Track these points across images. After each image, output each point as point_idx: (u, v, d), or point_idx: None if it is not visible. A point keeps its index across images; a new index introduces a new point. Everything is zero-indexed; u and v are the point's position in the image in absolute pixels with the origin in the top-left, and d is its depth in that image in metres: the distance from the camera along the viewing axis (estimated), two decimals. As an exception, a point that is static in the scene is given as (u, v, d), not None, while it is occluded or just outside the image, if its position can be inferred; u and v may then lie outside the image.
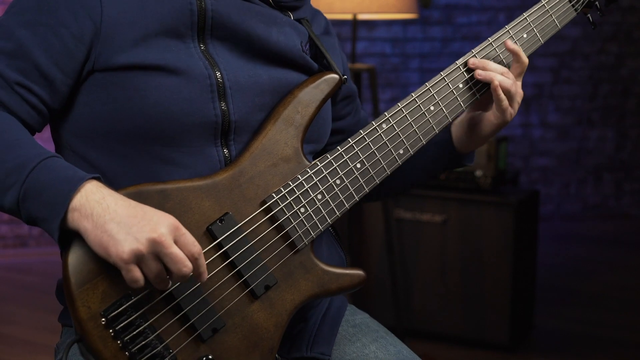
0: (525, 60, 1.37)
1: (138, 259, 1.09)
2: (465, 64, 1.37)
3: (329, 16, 3.38)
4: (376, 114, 3.63)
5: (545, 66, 5.38)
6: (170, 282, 1.13)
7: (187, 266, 1.10)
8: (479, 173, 3.25)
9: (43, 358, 3.23)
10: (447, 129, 1.45)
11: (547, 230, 5.08)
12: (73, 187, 1.10)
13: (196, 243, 1.12)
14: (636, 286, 4.24)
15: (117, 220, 1.09)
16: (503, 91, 1.35)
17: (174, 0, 1.23)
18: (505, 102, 1.35)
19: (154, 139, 1.22)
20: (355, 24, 3.28)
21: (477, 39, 5.27)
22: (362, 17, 3.42)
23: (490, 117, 1.38)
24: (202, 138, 1.24)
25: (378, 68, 5.13)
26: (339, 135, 1.51)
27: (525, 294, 3.37)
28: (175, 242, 1.10)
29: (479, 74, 1.36)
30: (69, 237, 1.13)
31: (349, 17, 3.26)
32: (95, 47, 1.20)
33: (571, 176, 5.52)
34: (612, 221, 5.51)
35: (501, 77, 1.35)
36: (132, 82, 1.20)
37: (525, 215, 3.28)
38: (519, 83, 1.38)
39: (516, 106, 1.38)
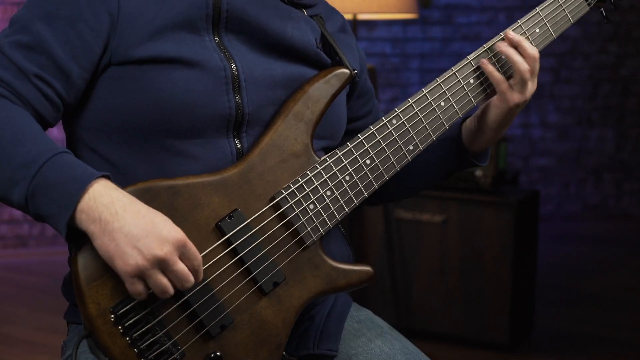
0: (531, 51, 1.35)
1: (142, 273, 1.10)
2: (476, 59, 1.37)
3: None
4: (376, 114, 3.63)
5: (545, 66, 5.38)
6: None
7: (190, 281, 1.12)
8: (478, 173, 3.25)
9: (43, 358, 3.23)
10: (457, 127, 1.44)
11: (547, 230, 5.08)
12: (81, 187, 1.10)
13: (198, 256, 1.13)
14: (636, 286, 4.24)
15: (125, 230, 1.09)
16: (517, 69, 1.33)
17: None
18: (505, 83, 1.34)
19: (168, 131, 1.22)
20: (355, 24, 3.28)
21: (477, 39, 5.27)
22: (362, 17, 3.42)
23: (495, 100, 1.37)
24: (215, 130, 1.24)
25: (378, 68, 5.13)
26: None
27: (525, 294, 3.37)
28: (180, 257, 1.11)
29: (502, 45, 1.34)
30: (78, 234, 1.13)
31: (349, 17, 3.26)
32: (112, 41, 1.21)
33: (571, 176, 5.52)
34: (612, 221, 5.51)
35: (519, 57, 1.34)
36: (148, 75, 1.21)
37: (525, 215, 3.28)
38: (536, 78, 1.36)
39: (526, 92, 1.35)
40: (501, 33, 1.38)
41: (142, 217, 1.10)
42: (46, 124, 1.23)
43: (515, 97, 1.35)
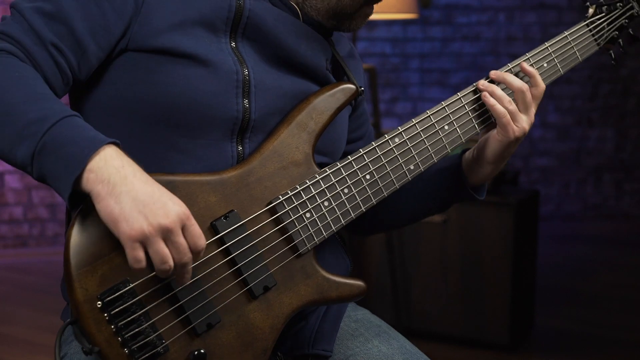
0: (542, 85, 1.37)
1: (145, 239, 1.08)
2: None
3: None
4: (376, 114, 3.63)
5: (545, 66, 5.38)
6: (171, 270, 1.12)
7: (188, 256, 1.10)
8: (479, 173, 3.25)
9: (43, 358, 3.23)
10: (457, 157, 1.44)
11: (547, 230, 5.08)
12: (94, 147, 1.09)
13: (202, 236, 1.12)
14: (636, 286, 4.24)
15: (133, 194, 1.08)
16: (503, 105, 1.34)
17: None
18: (506, 117, 1.34)
19: (173, 127, 1.22)
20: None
21: (477, 39, 5.28)
22: (362, 17, 3.41)
23: (494, 134, 1.37)
24: (220, 132, 1.24)
25: (378, 68, 5.13)
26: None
27: (525, 294, 3.37)
28: (183, 231, 1.10)
29: (485, 95, 1.35)
30: (80, 197, 1.12)
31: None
32: (132, 26, 1.22)
33: (571, 176, 5.52)
34: (612, 221, 5.51)
35: (500, 92, 1.34)
36: (161, 67, 1.21)
37: (525, 215, 3.28)
38: (533, 109, 1.36)
39: (523, 124, 1.35)
40: (508, 64, 1.39)
41: (150, 186, 1.10)
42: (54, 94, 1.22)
43: (516, 130, 1.35)
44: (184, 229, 1.10)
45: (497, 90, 1.35)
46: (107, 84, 1.24)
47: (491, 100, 1.35)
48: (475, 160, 1.41)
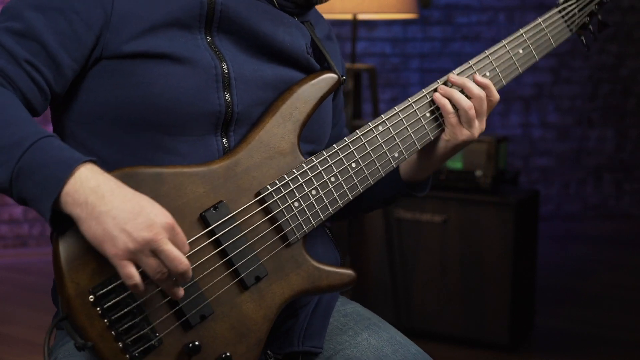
0: (496, 95, 1.39)
1: (133, 255, 1.08)
2: (462, 73, 1.40)
3: (328, 16, 3.38)
4: (376, 114, 3.63)
5: (545, 66, 5.38)
6: (170, 281, 1.12)
7: (184, 262, 1.09)
8: (478, 173, 3.25)
9: (42, 358, 3.23)
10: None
11: (547, 230, 5.08)
12: (68, 170, 1.09)
13: (186, 243, 1.12)
14: (636, 286, 4.24)
15: (113, 214, 1.07)
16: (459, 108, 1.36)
17: None
18: (455, 118, 1.36)
19: (157, 127, 1.22)
20: (355, 24, 3.28)
21: (477, 39, 5.28)
22: (362, 17, 3.42)
23: (443, 135, 1.39)
24: (204, 127, 1.25)
25: (378, 68, 5.13)
26: None
27: (525, 294, 3.37)
28: (170, 240, 1.10)
29: (437, 97, 1.37)
30: (61, 218, 1.12)
31: (349, 17, 3.26)
32: (104, 35, 1.22)
33: (571, 176, 5.52)
34: (612, 221, 5.51)
35: (459, 95, 1.36)
36: (138, 70, 1.21)
37: (525, 215, 3.28)
38: (484, 117, 1.38)
39: (474, 131, 1.37)
40: (486, 51, 1.41)
41: (129, 201, 1.09)
42: (33, 112, 1.22)
43: (464, 133, 1.37)
44: (170, 237, 1.10)
45: (455, 94, 1.37)
46: (87, 93, 1.24)
47: (442, 100, 1.37)
48: (417, 158, 1.43)
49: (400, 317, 3.34)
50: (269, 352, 1.34)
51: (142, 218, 1.08)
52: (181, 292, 1.13)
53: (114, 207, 1.08)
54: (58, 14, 1.20)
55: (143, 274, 1.11)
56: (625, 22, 5.44)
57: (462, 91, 1.38)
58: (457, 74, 1.39)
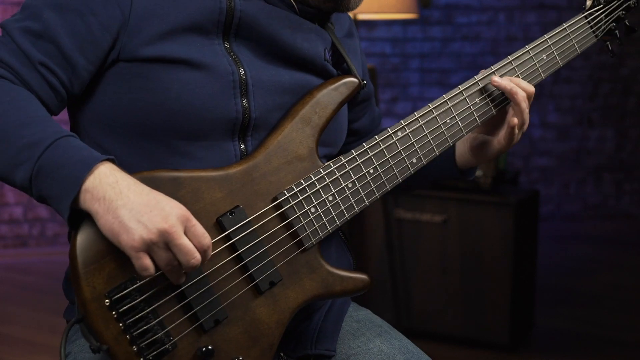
0: (530, 88, 1.38)
1: (148, 247, 1.10)
2: (483, 80, 1.39)
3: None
4: (376, 114, 3.63)
5: (545, 66, 5.37)
6: (180, 273, 1.13)
7: (196, 257, 1.11)
8: (479, 173, 3.25)
9: (43, 358, 3.23)
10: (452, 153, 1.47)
11: (547, 230, 5.08)
12: (87, 168, 1.11)
13: (206, 235, 1.13)
14: (636, 286, 4.24)
15: (129, 206, 1.09)
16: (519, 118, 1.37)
17: None
18: (516, 129, 1.37)
19: (174, 132, 1.23)
20: (355, 24, 3.27)
21: (477, 39, 5.27)
22: (362, 17, 3.42)
23: (494, 142, 1.40)
24: (221, 133, 1.25)
25: (378, 68, 5.13)
26: (353, 137, 1.52)
27: (525, 294, 3.37)
28: (186, 233, 1.11)
29: (498, 83, 1.37)
30: (79, 217, 1.13)
31: (349, 17, 3.26)
32: (121, 38, 1.22)
33: (571, 176, 5.52)
34: (612, 221, 5.51)
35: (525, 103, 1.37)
36: (156, 74, 1.22)
37: (525, 215, 3.28)
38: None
39: (520, 135, 1.39)
40: (509, 57, 1.40)
41: (146, 195, 1.11)
42: (49, 112, 1.23)
43: (517, 139, 1.39)
44: (186, 230, 1.11)
45: (523, 101, 1.37)
46: (103, 95, 1.25)
47: (523, 105, 1.37)
48: (470, 155, 1.44)
49: (400, 317, 3.34)
50: (282, 354, 1.34)
51: (157, 210, 1.10)
52: (183, 278, 1.14)
53: (130, 200, 1.10)
54: (76, 15, 1.21)
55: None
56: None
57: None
58: (480, 80, 1.38)
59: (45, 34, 1.20)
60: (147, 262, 1.10)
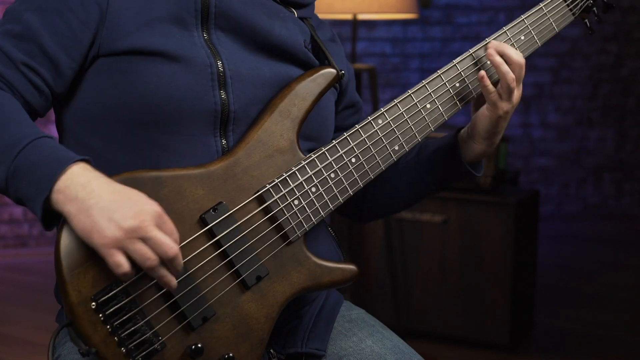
0: (517, 57, 1.35)
1: (120, 244, 1.08)
2: (462, 63, 1.38)
3: (328, 16, 3.39)
4: (376, 114, 3.63)
5: (545, 66, 5.38)
6: (162, 269, 1.12)
7: (173, 248, 1.09)
8: (479, 173, 3.25)
9: (43, 358, 3.23)
10: (452, 136, 1.44)
11: (547, 230, 5.08)
12: (59, 168, 1.10)
13: (175, 231, 1.11)
14: (636, 286, 4.24)
15: (101, 205, 1.09)
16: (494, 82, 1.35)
17: None
18: (494, 94, 1.34)
19: (155, 126, 1.23)
20: (355, 24, 3.28)
21: (477, 39, 5.26)
22: (362, 17, 3.42)
23: (484, 110, 1.38)
24: (202, 126, 1.25)
25: (378, 68, 5.13)
26: None
27: (525, 294, 3.37)
28: (160, 228, 1.10)
29: (490, 53, 1.35)
30: (56, 218, 1.13)
31: (349, 17, 3.26)
32: (100, 33, 1.23)
33: (571, 176, 5.52)
34: (612, 221, 5.51)
35: (505, 68, 1.34)
36: (134, 68, 1.22)
37: (525, 215, 3.28)
38: (520, 84, 1.36)
39: (513, 100, 1.35)
40: (486, 39, 1.39)
41: (117, 193, 1.10)
42: (35, 114, 1.24)
43: (504, 106, 1.36)
44: (158, 226, 1.10)
45: (512, 56, 1.34)
46: (85, 92, 1.25)
47: (486, 81, 1.35)
48: (469, 137, 1.41)
49: (400, 317, 3.34)
50: (272, 351, 1.34)
51: (128, 207, 1.09)
52: (174, 282, 1.13)
53: (102, 199, 1.09)
54: (55, 14, 1.21)
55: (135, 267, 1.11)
56: (625, 22, 5.44)
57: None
58: (458, 63, 1.37)
59: (26, 35, 1.20)
60: (120, 258, 1.08)
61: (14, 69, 1.20)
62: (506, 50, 1.35)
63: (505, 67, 1.34)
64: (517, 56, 1.35)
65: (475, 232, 3.24)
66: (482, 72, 1.35)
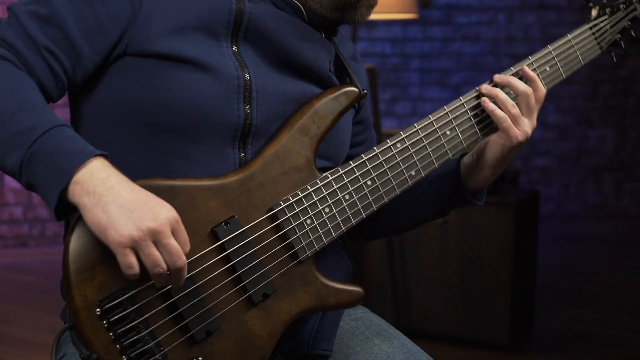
0: (543, 89, 1.35)
1: (135, 244, 1.08)
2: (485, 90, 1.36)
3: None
4: (376, 114, 3.63)
5: (545, 66, 5.38)
6: (167, 279, 1.12)
7: (182, 259, 1.09)
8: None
9: (43, 358, 3.23)
10: (455, 163, 1.42)
11: (547, 230, 5.08)
12: (80, 160, 1.09)
13: (187, 242, 1.11)
14: (636, 286, 4.24)
15: (120, 203, 1.08)
16: (505, 109, 1.33)
17: None
18: (507, 122, 1.33)
19: (174, 132, 1.22)
20: (355, 24, 3.28)
21: (477, 39, 5.27)
22: (362, 17, 3.41)
23: (496, 138, 1.35)
24: (221, 138, 1.24)
25: (378, 68, 5.13)
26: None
27: (525, 294, 3.37)
28: (173, 234, 1.10)
29: (484, 100, 1.34)
30: (66, 211, 1.12)
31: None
32: (129, 30, 1.21)
33: (571, 176, 5.52)
34: (612, 221, 5.51)
35: (503, 95, 1.33)
36: (161, 72, 1.21)
37: (525, 215, 3.28)
38: (536, 113, 1.35)
39: (525, 128, 1.34)
40: (511, 67, 1.37)
41: (137, 193, 1.10)
42: (48, 98, 1.22)
43: (518, 135, 1.34)
44: (173, 232, 1.10)
45: (500, 94, 1.33)
46: (106, 88, 1.24)
47: (490, 106, 1.33)
48: (474, 165, 1.39)
49: (401, 318, 3.34)
50: (279, 355, 1.33)
51: (148, 208, 1.08)
52: (166, 281, 1.12)
53: (120, 197, 1.08)
54: (85, 3, 1.20)
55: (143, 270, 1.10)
56: (625, 22, 5.44)
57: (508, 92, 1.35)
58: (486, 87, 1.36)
59: (52, 19, 1.19)
60: (132, 259, 1.08)
61: (36, 51, 1.18)
62: (511, 81, 1.34)
63: (499, 112, 1.33)
64: (523, 87, 1.33)
65: (475, 232, 3.24)
66: (485, 98, 1.34)
